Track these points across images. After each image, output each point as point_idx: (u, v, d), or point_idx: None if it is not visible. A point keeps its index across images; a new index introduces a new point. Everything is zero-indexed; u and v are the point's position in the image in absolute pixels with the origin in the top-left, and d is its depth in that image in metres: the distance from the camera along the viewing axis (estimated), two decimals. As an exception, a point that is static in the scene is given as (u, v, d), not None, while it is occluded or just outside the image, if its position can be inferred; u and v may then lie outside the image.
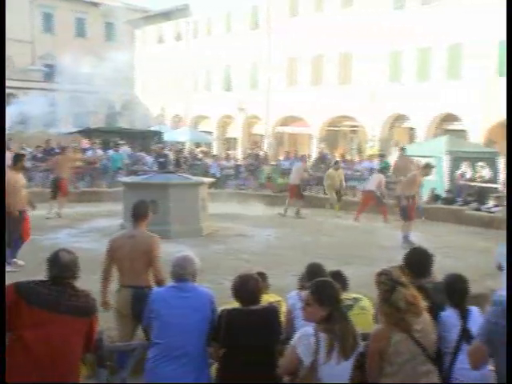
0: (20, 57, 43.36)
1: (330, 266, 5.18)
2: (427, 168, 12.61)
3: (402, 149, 18.64)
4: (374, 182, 15.45)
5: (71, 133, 29.23)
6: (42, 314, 3.68)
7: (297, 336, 3.63)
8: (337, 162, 18.17)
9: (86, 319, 3.85)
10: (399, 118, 28.30)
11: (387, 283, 3.65)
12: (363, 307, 4.78)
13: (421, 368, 3.61)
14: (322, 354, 3.52)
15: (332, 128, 31.76)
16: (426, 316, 3.74)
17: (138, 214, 5.68)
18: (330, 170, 17.42)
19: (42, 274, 3.96)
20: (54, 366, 3.66)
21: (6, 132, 27.40)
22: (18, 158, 10.00)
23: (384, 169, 17.28)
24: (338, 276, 4.76)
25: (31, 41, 46.28)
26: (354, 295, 4.93)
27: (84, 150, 23.65)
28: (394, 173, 17.82)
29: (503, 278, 3.24)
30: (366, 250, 11.37)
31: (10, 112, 30.88)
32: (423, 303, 3.72)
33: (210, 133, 36.81)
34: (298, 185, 16.69)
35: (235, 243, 12.22)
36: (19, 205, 9.34)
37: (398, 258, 4.95)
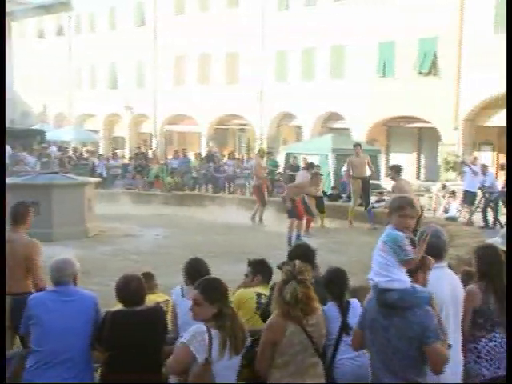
0: None
1: (217, 264, 5.17)
2: (311, 168, 12.99)
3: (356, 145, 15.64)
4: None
5: None
6: None
7: (189, 333, 3.58)
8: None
9: None
10: (286, 117, 28.92)
11: (287, 274, 3.69)
12: None
13: (309, 360, 3.69)
14: (215, 350, 3.50)
15: (221, 126, 31.91)
16: (319, 312, 3.82)
17: (16, 216, 5.43)
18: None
19: None
20: None
21: None
22: None
23: (273, 166, 17.46)
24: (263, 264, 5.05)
25: None
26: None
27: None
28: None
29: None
30: (259, 249, 11.40)
31: None
32: (316, 304, 3.77)
33: (96, 132, 35.83)
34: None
35: (123, 244, 11.95)
36: None
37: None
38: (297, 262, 3.84)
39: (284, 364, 3.63)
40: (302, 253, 4.67)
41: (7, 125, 34.79)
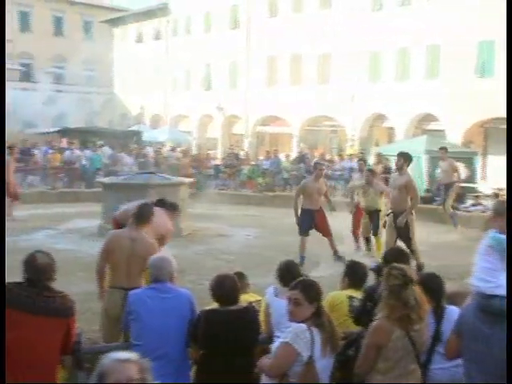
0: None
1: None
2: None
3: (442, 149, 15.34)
4: None
5: (49, 132, 28.95)
6: (20, 315, 3.66)
7: (291, 333, 3.59)
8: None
9: (63, 320, 3.82)
10: (379, 118, 28.47)
11: (399, 278, 3.62)
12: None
13: (410, 366, 3.63)
14: (318, 348, 3.53)
15: (312, 128, 31.84)
16: (426, 318, 3.74)
17: (141, 216, 5.59)
18: None
19: (17, 276, 3.91)
20: (32, 368, 3.64)
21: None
22: None
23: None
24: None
25: (9, 39, 45.69)
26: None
27: (63, 150, 23.43)
28: None
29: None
30: (347, 252, 11.32)
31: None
32: (427, 306, 3.72)
33: (189, 132, 36.70)
34: None
35: (215, 243, 12.21)
36: None
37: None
38: (402, 265, 3.79)
39: (387, 369, 3.58)
40: (398, 256, 4.59)
41: (107, 126, 36.39)
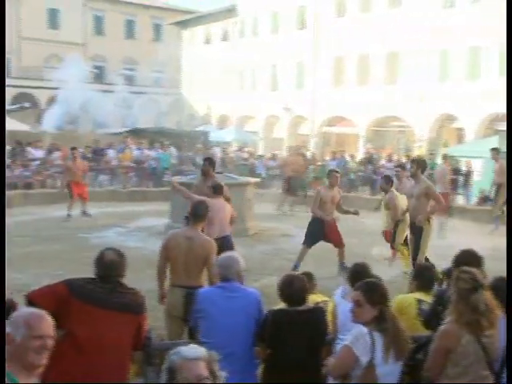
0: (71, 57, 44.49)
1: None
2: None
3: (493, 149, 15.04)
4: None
5: (119, 133, 29.71)
6: (93, 310, 3.74)
7: (351, 335, 3.58)
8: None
9: (135, 316, 3.89)
10: (448, 118, 27.80)
11: (469, 282, 3.55)
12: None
13: (482, 373, 3.54)
14: (379, 353, 3.48)
15: (379, 128, 31.41)
16: (498, 324, 3.63)
17: (196, 214, 5.67)
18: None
19: (88, 273, 4.02)
20: (104, 363, 3.70)
21: (56, 132, 28.13)
22: None
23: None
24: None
25: (83, 43, 47.26)
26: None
27: (132, 150, 23.99)
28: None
29: None
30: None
31: (59, 112, 31.64)
32: (499, 312, 3.62)
33: (255, 133, 36.89)
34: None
35: (281, 243, 12.24)
36: None
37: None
38: (473, 269, 3.70)
39: (457, 374, 3.50)
40: (469, 259, 4.47)
41: (174, 126, 37.02)
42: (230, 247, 7.54)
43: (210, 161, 9.98)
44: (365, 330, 3.54)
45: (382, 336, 3.51)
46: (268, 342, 4.12)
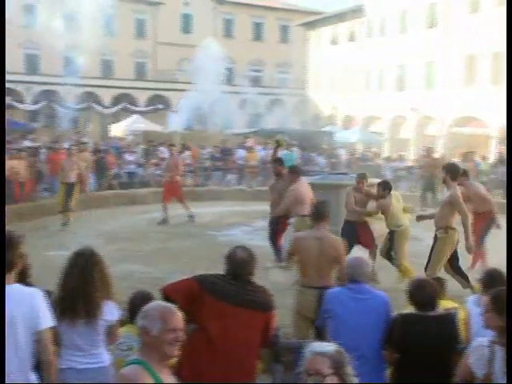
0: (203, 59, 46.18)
1: None
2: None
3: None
4: None
5: (245, 133, 30.40)
6: (224, 306, 3.83)
7: (471, 346, 3.50)
8: None
9: (264, 314, 3.95)
10: None
11: None
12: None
13: None
14: (499, 367, 3.32)
15: (513, 129, 29.74)
16: None
17: (319, 214, 5.69)
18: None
19: (217, 270, 4.13)
20: (233, 358, 3.80)
21: (186, 131, 29.26)
22: None
23: None
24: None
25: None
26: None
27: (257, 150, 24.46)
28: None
29: None
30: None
31: (188, 113, 32.88)
32: None
33: (381, 133, 36.28)
34: None
35: (409, 246, 11.90)
36: None
37: None
38: None
39: None
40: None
41: (299, 127, 37.25)
42: None
43: (280, 162, 10.55)
44: (485, 342, 3.42)
45: (503, 350, 3.35)
46: (396, 346, 4.07)
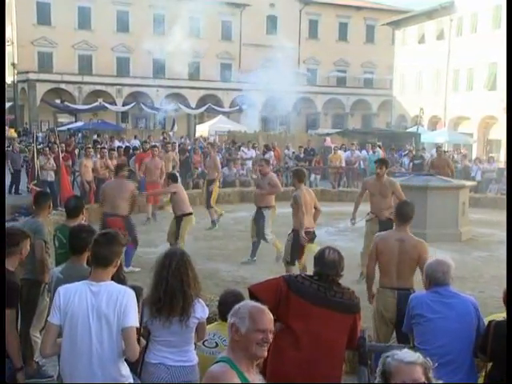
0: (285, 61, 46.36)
1: None
2: None
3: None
4: None
5: (329, 134, 30.27)
6: (310, 307, 3.83)
7: None
8: None
9: (351, 316, 3.92)
10: None
11: None
12: None
13: None
14: None
15: None
16: None
17: (403, 215, 5.59)
18: None
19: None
20: (319, 359, 3.79)
21: (269, 132, 29.44)
22: (120, 167, 9.92)
23: None
24: None
25: (296, 46, 48.97)
26: None
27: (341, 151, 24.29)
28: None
29: None
30: None
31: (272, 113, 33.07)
32: None
33: (469, 134, 35.12)
34: None
35: (497, 250, 11.52)
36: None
37: None
38: None
39: None
40: None
41: (384, 127, 36.71)
42: None
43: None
44: None
45: None
46: (490, 354, 3.94)
